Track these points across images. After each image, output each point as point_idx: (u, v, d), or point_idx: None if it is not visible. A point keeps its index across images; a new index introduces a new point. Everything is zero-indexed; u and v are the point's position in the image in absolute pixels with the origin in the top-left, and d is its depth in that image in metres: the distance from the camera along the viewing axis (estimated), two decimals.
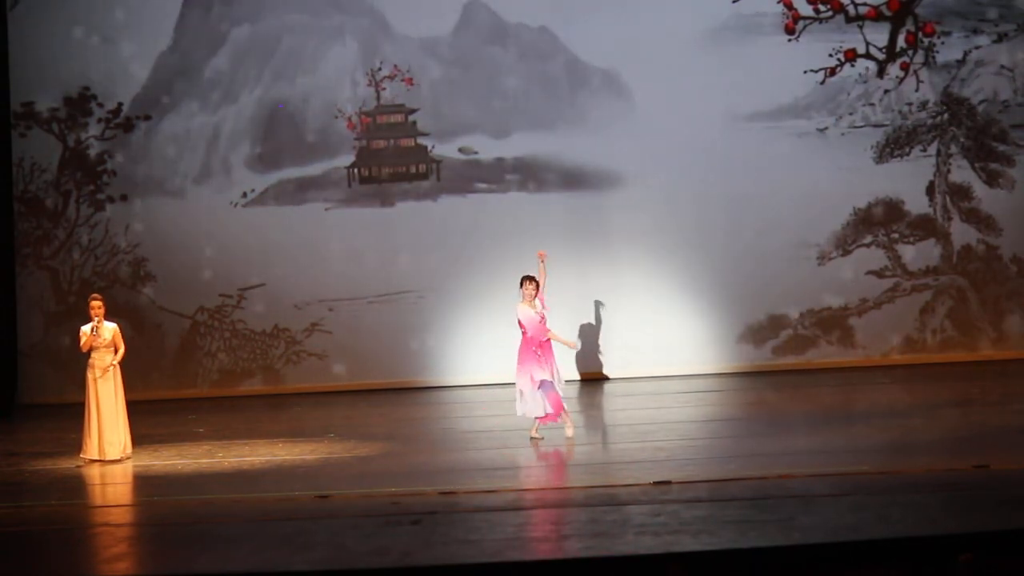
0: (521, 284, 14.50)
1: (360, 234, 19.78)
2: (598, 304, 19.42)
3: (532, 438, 14.38)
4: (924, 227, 19.54)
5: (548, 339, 14.44)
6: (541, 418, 14.41)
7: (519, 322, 14.46)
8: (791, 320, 19.53)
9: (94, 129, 19.95)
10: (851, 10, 19.50)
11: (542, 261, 14.68)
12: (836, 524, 10.08)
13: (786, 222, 19.44)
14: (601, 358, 19.52)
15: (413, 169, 19.88)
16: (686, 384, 18.52)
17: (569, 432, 14.41)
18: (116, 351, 14.59)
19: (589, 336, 19.48)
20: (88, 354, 14.61)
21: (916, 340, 19.51)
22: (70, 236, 19.98)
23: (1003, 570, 8.90)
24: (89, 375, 14.55)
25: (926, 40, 19.46)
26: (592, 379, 19.35)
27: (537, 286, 14.48)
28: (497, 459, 13.68)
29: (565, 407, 14.48)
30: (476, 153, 19.76)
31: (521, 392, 14.42)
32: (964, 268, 19.51)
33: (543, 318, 14.45)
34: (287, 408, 18.33)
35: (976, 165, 19.50)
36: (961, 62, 19.45)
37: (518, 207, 19.65)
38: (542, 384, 14.34)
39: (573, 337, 18.51)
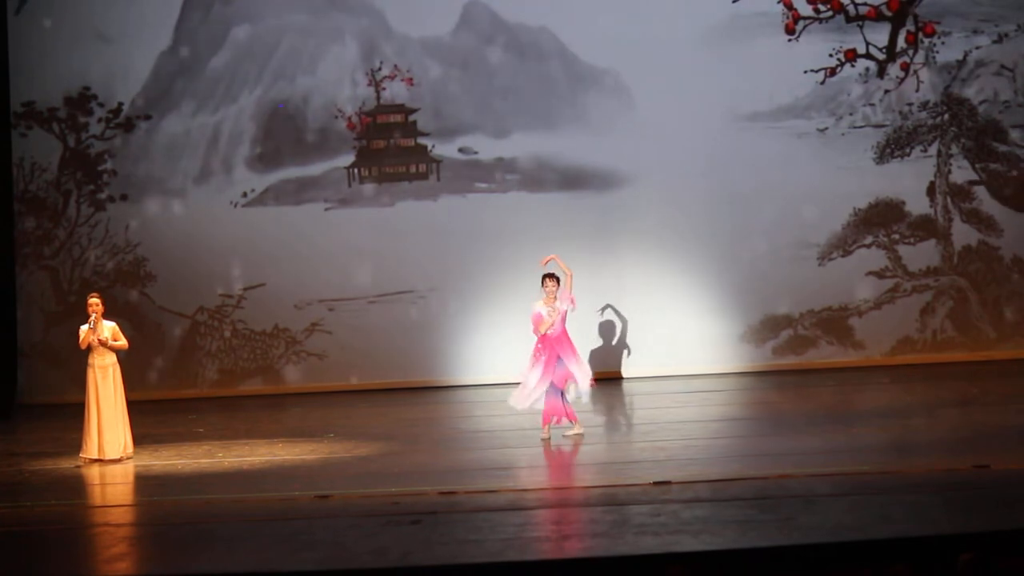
0: (542, 282, 14.61)
1: (360, 234, 19.77)
2: (605, 304, 19.40)
3: (542, 439, 14.40)
4: (924, 228, 19.52)
5: (557, 339, 14.45)
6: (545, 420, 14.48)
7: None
8: (791, 320, 19.52)
9: (94, 129, 19.94)
10: (851, 10, 19.49)
11: (555, 260, 14.72)
12: (836, 524, 10.08)
13: (786, 222, 19.43)
14: (603, 358, 19.50)
15: (413, 169, 19.88)
16: (686, 384, 18.51)
17: (576, 431, 14.41)
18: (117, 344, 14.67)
19: (590, 337, 19.47)
20: (88, 353, 14.61)
21: (916, 340, 19.50)
22: (70, 236, 19.98)
23: (1003, 570, 8.89)
24: (89, 374, 14.55)
25: (926, 40, 19.45)
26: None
27: (556, 284, 14.53)
28: (497, 459, 13.68)
29: (568, 412, 14.50)
30: (476, 153, 19.76)
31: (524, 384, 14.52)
32: (964, 269, 19.50)
33: (540, 317, 14.49)
34: (287, 408, 18.32)
35: (977, 166, 19.49)
36: (961, 62, 19.44)
37: (518, 207, 19.64)
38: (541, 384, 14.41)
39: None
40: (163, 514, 11.89)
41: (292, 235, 19.78)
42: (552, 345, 14.47)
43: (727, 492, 11.29)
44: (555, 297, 14.51)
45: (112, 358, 14.64)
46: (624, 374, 19.40)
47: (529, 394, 14.48)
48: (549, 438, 14.43)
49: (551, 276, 14.61)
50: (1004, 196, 19.51)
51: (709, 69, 19.33)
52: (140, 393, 18.00)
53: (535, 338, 14.61)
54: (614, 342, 19.53)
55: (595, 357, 19.45)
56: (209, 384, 19.88)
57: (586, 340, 19.40)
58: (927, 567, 9.01)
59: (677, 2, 19.56)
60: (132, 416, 14.68)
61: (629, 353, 19.46)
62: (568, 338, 14.62)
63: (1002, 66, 19.41)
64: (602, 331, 19.49)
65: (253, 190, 19.90)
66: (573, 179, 19.68)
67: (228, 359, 19.88)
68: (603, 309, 19.26)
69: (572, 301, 14.60)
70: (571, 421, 14.55)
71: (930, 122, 19.48)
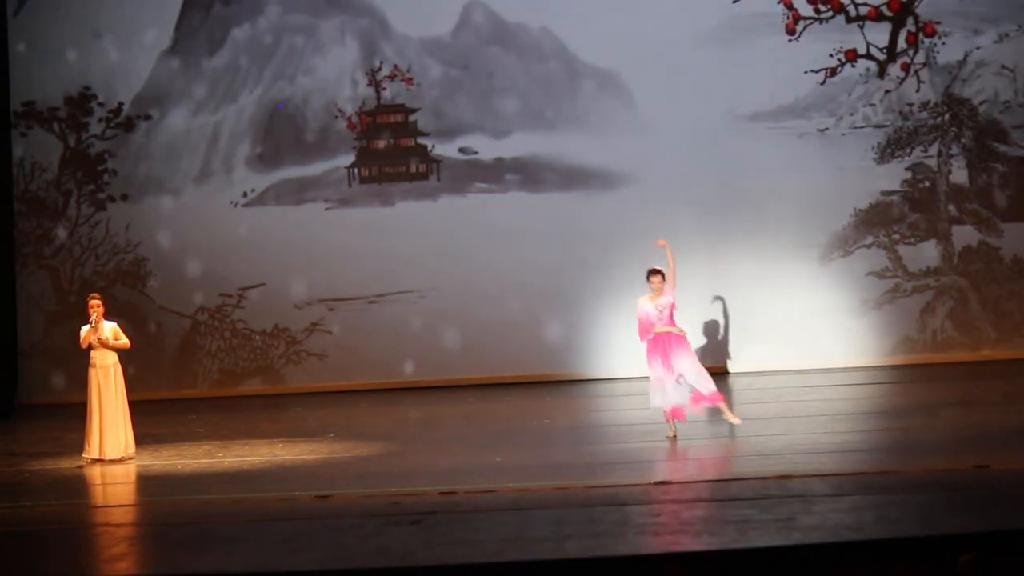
0: (648, 277, 14.32)
1: (360, 234, 19.78)
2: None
3: (667, 437, 14.24)
4: (925, 228, 19.52)
5: (666, 335, 14.30)
6: (668, 412, 14.22)
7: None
8: (791, 320, 19.50)
9: (95, 129, 19.96)
10: (851, 10, 19.49)
11: (665, 247, 14.37)
12: (836, 524, 10.07)
13: (786, 222, 19.42)
14: (602, 358, 19.49)
15: (413, 169, 19.89)
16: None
17: (734, 420, 14.23)
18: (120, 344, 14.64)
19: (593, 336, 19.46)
20: (89, 353, 14.59)
21: (916, 340, 19.49)
22: (71, 236, 19.99)
23: (1003, 570, 8.89)
24: (91, 374, 14.52)
25: (927, 40, 19.45)
26: (598, 379, 19.35)
27: (662, 278, 14.21)
28: (497, 459, 13.66)
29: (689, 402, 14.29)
30: (476, 153, 19.76)
31: (651, 383, 14.31)
32: (965, 269, 19.49)
33: (648, 316, 14.28)
34: (287, 408, 18.32)
35: (977, 166, 19.49)
36: (962, 62, 19.43)
37: (518, 207, 19.64)
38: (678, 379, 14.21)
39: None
40: (163, 514, 11.88)
41: (292, 235, 19.80)
42: (662, 342, 14.34)
43: (727, 492, 11.28)
44: (661, 292, 14.33)
45: (114, 358, 14.62)
46: (620, 374, 19.35)
47: (665, 394, 14.26)
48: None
49: (656, 271, 14.22)
50: (1005, 196, 19.51)
51: (709, 69, 19.33)
52: (140, 393, 17.97)
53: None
54: (611, 343, 19.50)
55: (598, 357, 19.49)
56: (209, 384, 19.89)
57: (594, 339, 19.41)
58: (927, 567, 9.00)
59: (677, 2, 19.57)
60: (132, 416, 14.66)
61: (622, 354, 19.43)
62: (675, 334, 14.37)
63: (1002, 66, 19.41)
64: (604, 331, 19.46)
65: (253, 190, 19.91)
66: (573, 179, 19.68)
67: (228, 359, 19.89)
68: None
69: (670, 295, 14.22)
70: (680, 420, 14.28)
71: (930, 122, 19.48)
